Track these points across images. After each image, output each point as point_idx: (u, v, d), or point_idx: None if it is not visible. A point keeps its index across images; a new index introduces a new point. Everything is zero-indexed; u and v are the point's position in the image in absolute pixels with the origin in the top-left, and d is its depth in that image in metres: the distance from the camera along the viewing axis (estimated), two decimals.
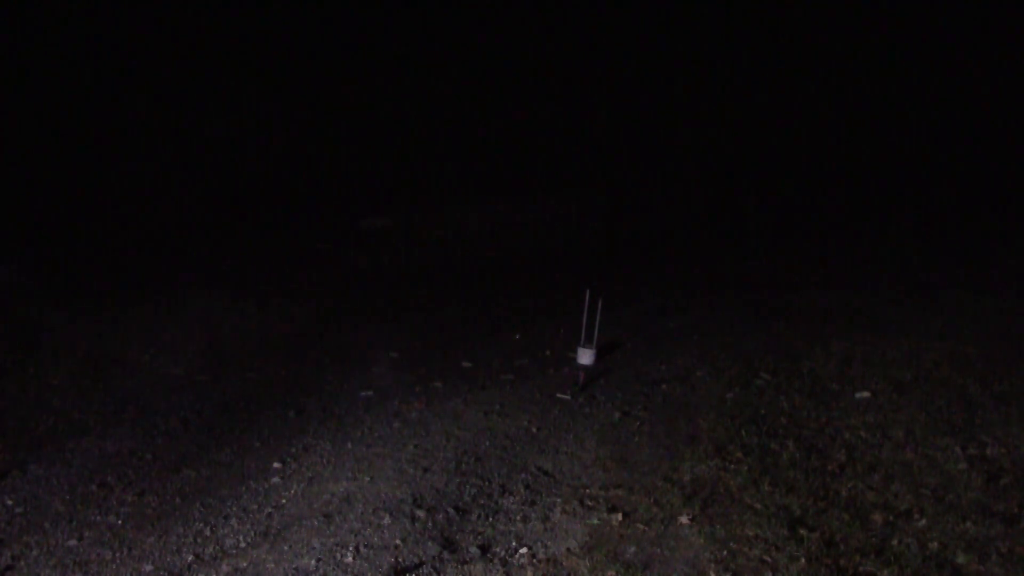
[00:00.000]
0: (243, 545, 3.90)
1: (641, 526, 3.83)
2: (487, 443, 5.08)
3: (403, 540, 3.81)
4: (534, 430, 5.29)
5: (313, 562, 3.65)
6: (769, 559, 3.48)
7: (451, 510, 4.13)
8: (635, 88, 15.02)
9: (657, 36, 14.83)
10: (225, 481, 4.74)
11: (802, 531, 3.71)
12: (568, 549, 3.66)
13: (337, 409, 6.01)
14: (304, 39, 13.45)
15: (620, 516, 3.94)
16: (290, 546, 3.82)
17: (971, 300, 8.19)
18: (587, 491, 4.27)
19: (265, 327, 8.38)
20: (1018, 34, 14.16)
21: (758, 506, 3.96)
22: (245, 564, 3.69)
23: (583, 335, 6.57)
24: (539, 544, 3.74)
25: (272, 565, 3.65)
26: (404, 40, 13.95)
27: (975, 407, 5.22)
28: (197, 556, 3.82)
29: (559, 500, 4.19)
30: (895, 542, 3.63)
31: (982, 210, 14.09)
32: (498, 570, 3.52)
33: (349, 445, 5.18)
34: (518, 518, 4.02)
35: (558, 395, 5.94)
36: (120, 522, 4.25)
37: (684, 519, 3.87)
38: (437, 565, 3.57)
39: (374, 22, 13.76)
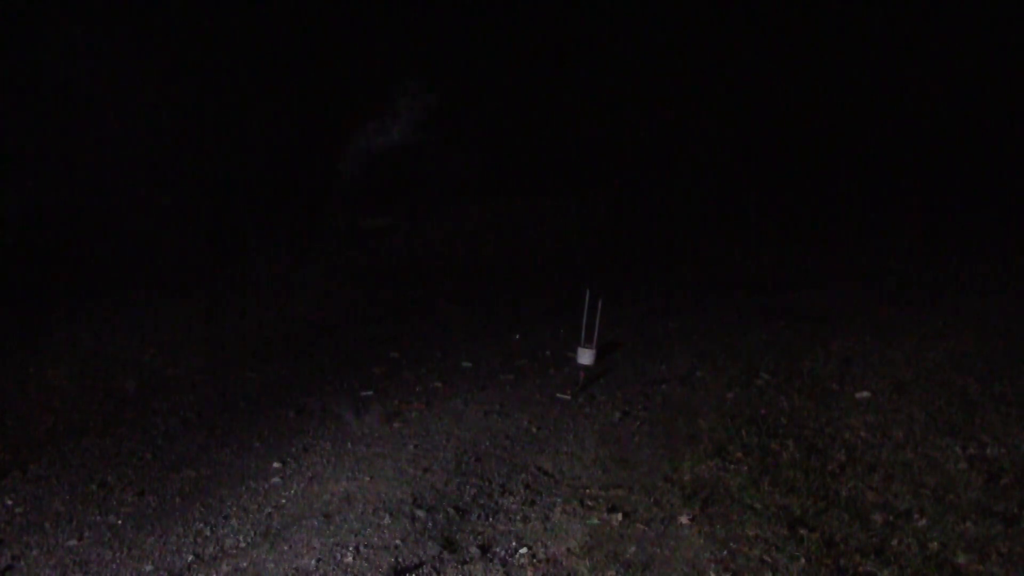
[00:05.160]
0: (243, 545, 3.90)
1: (641, 526, 3.83)
2: (487, 443, 5.08)
3: (403, 540, 3.81)
4: (534, 430, 5.29)
5: (313, 562, 3.65)
6: (769, 559, 3.48)
7: (451, 510, 4.13)
8: (635, 86, 15.03)
9: (657, 34, 14.84)
10: (225, 481, 4.74)
11: (802, 531, 3.71)
12: (568, 549, 3.66)
13: (337, 409, 6.02)
14: (302, 35, 13.45)
15: (620, 516, 3.94)
16: (290, 546, 3.83)
17: (971, 300, 8.19)
18: (587, 491, 4.28)
19: (265, 327, 8.38)
20: (1019, 30, 14.17)
21: (758, 506, 3.97)
22: (245, 564, 3.69)
23: (583, 335, 6.57)
24: (539, 544, 3.74)
25: (272, 565, 3.66)
26: (402, 39, 13.96)
27: (975, 407, 5.22)
28: (197, 556, 3.82)
29: (559, 500, 4.19)
30: (895, 542, 3.63)
31: (983, 209, 14.08)
32: (498, 570, 3.52)
33: (349, 445, 5.19)
34: (518, 518, 4.02)
35: (558, 395, 5.94)
36: (120, 522, 4.25)
37: (684, 519, 3.87)
38: (437, 565, 3.58)
39: (374, 19, 13.77)
